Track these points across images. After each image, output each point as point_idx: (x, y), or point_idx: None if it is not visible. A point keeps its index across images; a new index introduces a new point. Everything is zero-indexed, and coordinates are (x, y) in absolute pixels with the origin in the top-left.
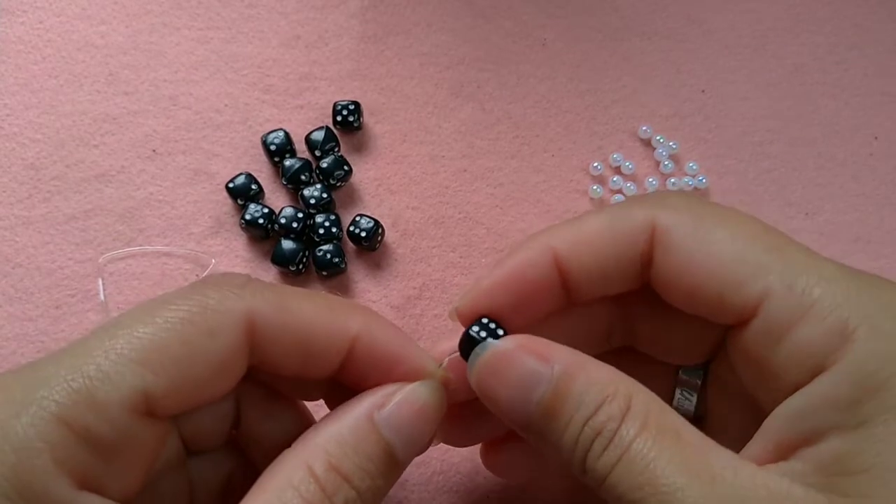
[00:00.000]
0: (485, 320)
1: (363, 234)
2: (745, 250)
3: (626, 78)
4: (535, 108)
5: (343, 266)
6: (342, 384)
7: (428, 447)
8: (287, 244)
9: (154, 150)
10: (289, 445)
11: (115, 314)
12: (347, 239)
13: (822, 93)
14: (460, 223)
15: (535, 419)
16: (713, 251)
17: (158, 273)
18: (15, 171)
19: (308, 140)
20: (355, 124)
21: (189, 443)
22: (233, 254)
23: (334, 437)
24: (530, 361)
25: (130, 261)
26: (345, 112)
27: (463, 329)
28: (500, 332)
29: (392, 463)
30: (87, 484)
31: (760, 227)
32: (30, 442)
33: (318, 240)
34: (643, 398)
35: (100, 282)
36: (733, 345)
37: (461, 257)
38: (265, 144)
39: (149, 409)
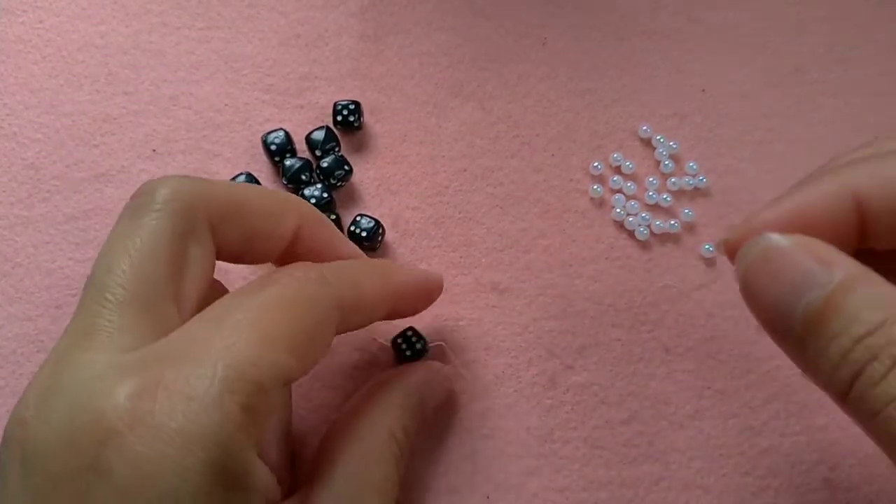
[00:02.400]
0: (409, 333)
1: (364, 233)
2: None
3: (626, 77)
4: (535, 108)
5: None
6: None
7: None
8: None
9: (154, 150)
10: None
11: None
12: (348, 238)
13: (822, 93)
14: (460, 223)
15: (799, 325)
16: None
17: None
18: (15, 171)
19: (308, 140)
20: (355, 124)
21: None
22: None
23: (409, 405)
24: (808, 262)
25: None
26: (345, 112)
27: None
28: (419, 345)
29: None
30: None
31: None
32: (238, 443)
33: None
34: None
35: None
36: None
37: (462, 257)
38: (265, 144)
39: (288, 382)
